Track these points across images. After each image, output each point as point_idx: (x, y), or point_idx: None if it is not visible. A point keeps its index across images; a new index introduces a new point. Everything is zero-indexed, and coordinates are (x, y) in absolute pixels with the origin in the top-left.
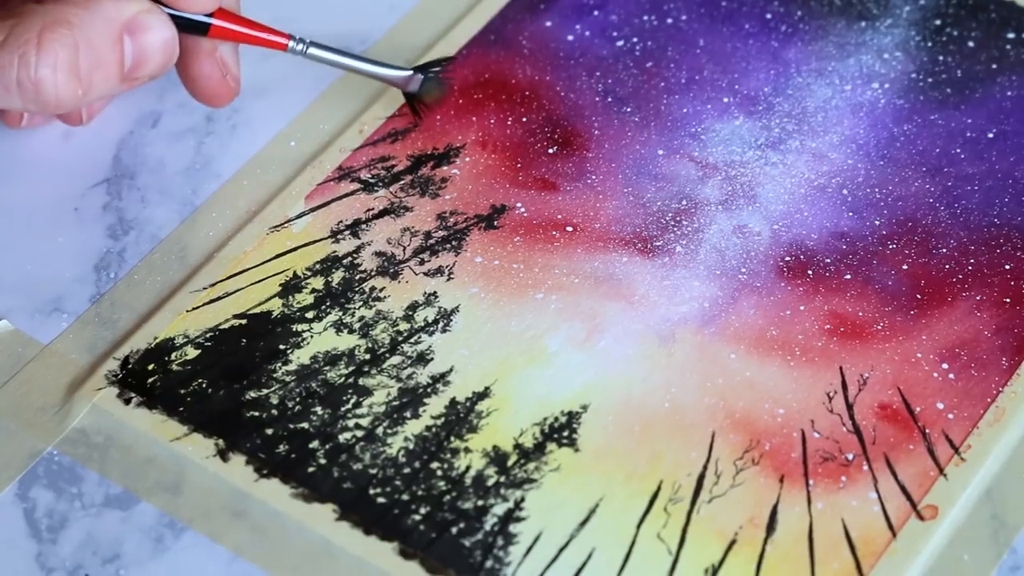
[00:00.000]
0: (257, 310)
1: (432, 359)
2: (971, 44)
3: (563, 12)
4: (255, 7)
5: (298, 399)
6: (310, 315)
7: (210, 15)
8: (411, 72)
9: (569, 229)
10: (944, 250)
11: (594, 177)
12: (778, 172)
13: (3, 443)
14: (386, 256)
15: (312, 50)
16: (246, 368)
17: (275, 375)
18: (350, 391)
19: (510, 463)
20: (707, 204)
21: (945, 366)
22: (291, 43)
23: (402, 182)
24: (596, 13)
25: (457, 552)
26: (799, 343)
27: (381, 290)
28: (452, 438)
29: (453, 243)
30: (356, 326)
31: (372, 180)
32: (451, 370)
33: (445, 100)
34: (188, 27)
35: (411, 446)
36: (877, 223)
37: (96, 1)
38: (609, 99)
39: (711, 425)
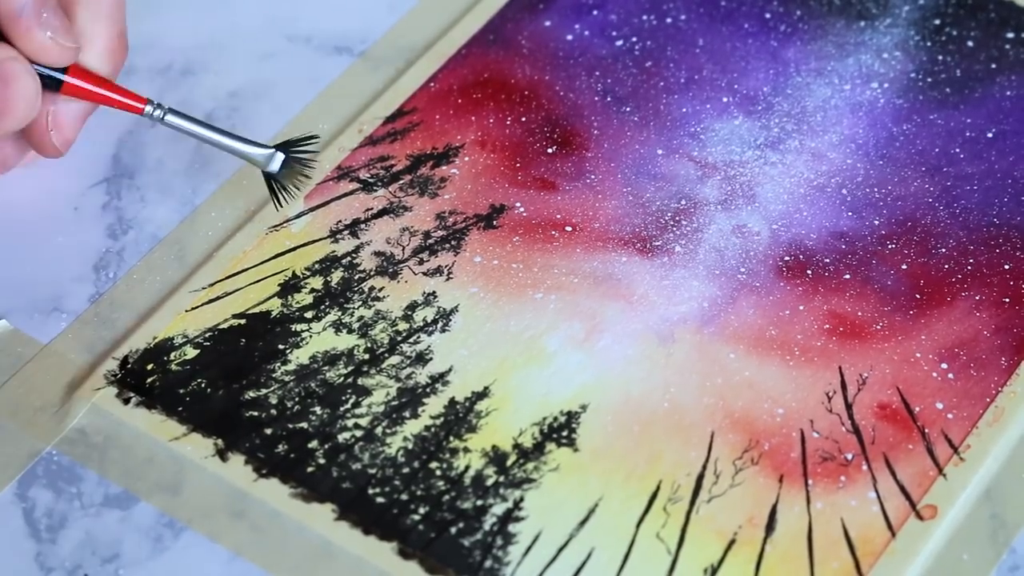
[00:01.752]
0: (256, 310)
1: (431, 359)
2: (970, 44)
3: (562, 12)
4: (255, 8)
5: (297, 399)
6: (309, 315)
7: (64, 71)
8: (272, 150)
9: (568, 229)
10: (943, 250)
11: (593, 177)
12: (777, 172)
13: (2, 443)
14: (385, 256)
15: (169, 117)
16: (245, 368)
17: (274, 375)
18: (349, 391)
19: (509, 463)
20: (706, 204)
21: (944, 366)
22: (147, 107)
23: (401, 182)
24: (595, 13)
25: (456, 552)
26: (798, 343)
27: (380, 290)
28: (451, 438)
29: (452, 243)
30: (355, 326)
31: (371, 180)
32: (450, 370)
33: (306, 181)
34: (43, 80)
35: (410, 446)
36: (876, 223)
37: None
38: (608, 99)
39: (710, 425)
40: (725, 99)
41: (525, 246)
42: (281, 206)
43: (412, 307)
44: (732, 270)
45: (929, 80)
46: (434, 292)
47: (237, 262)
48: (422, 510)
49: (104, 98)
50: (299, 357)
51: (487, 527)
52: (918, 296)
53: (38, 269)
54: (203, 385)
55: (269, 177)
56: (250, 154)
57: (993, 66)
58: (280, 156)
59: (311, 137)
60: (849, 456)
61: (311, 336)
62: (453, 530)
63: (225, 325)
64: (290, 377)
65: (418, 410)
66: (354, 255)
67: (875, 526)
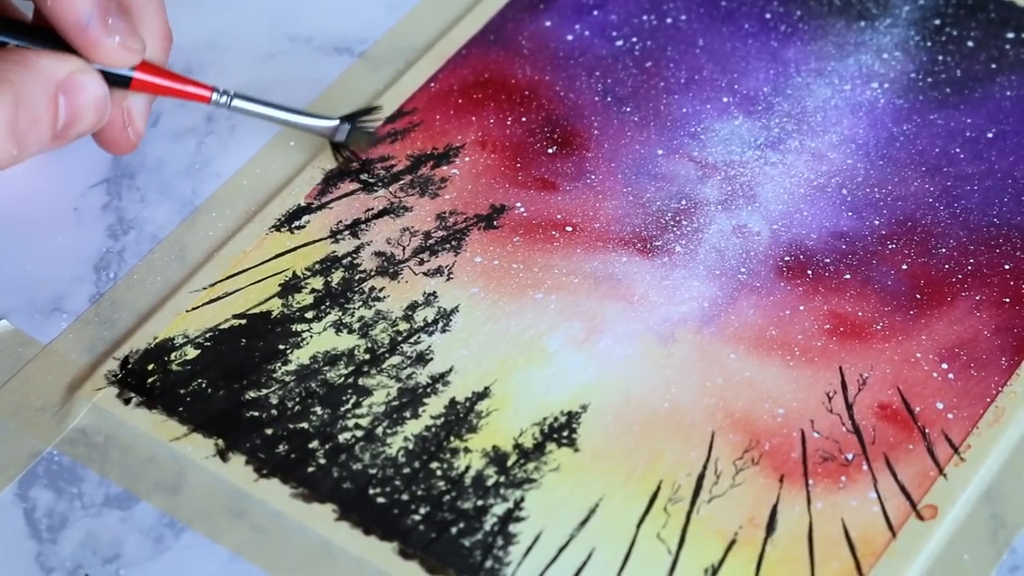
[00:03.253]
0: (257, 310)
1: (432, 359)
2: (970, 44)
3: (562, 12)
4: (255, 9)
5: (298, 399)
6: (310, 315)
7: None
8: (337, 122)
9: (569, 229)
10: (944, 250)
11: (594, 177)
12: (777, 172)
13: (3, 443)
14: (386, 256)
15: (236, 102)
16: (246, 368)
17: (275, 375)
18: (350, 391)
19: (510, 463)
20: (706, 204)
21: (945, 366)
22: (215, 95)
23: (401, 182)
24: (595, 13)
25: (457, 552)
26: (799, 343)
27: (381, 290)
28: (452, 438)
29: (453, 243)
30: (356, 326)
31: (372, 180)
32: (451, 370)
33: (371, 149)
34: (111, 80)
35: (411, 446)
36: (876, 223)
37: (34, 59)
38: (608, 99)
39: (711, 425)
40: (725, 99)
41: (525, 246)
42: (347, 166)
43: (413, 307)
44: (732, 270)
45: (929, 80)
46: (435, 292)
47: (237, 262)
48: (423, 510)
49: (172, 90)
50: (300, 357)
51: (488, 527)
52: (918, 296)
53: (38, 269)
54: (204, 385)
55: (336, 146)
56: (318, 126)
57: (993, 66)
58: (345, 127)
59: (376, 107)
60: (849, 456)
61: (312, 336)
62: (454, 530)
63: (226, 325)
64: (291, 377)
65: (419, 410)
66: (355, 255)
67: (876, 526)
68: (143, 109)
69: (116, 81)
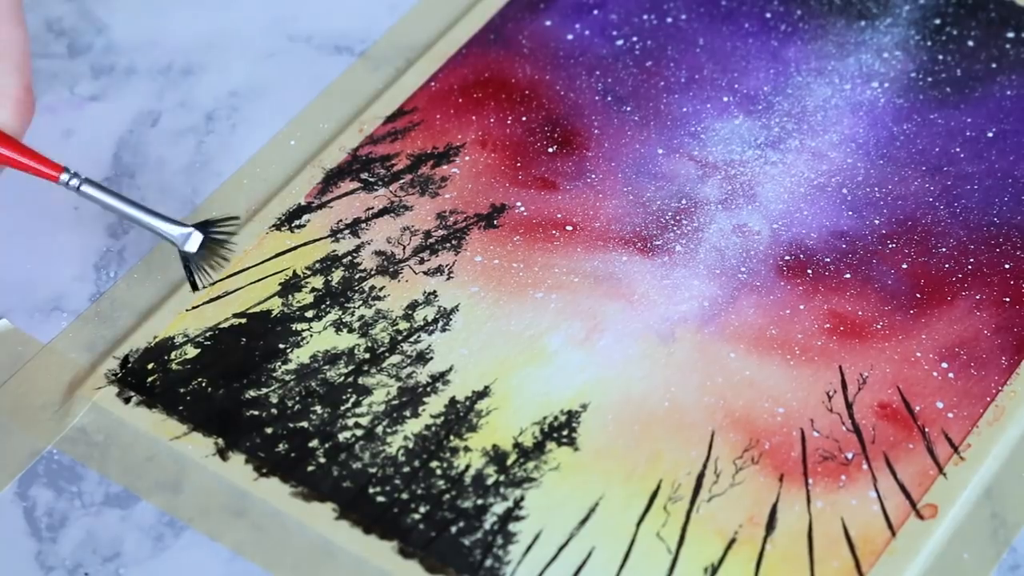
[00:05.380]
0: (257, 309)
1: (432, 358)
2: (971, 43)
3: (563, 11)
4: (255, 8)
5: (298, 398)
6: (310, 314)
7: None
8: (190, 230)
9: (569, 228)
10: (944, 249)
11: (594, 176)
12: (778, 171)
13: (3, 442)
14: (386, 255)
15: (85, 187)
16: (246, 367)
17: (275, 374)
18: (350, 390)
19: (510, 462)
20: (707, 203)
21: (945, 365)
22: (63, 176)
23: (402, 181)
24: (596, 12)
25: (457, 551)
26: (799, 342)
27: (381, 289)
28: (452, 437)
29: (453, 242)
30: (356, 325)
31: (372, 179)
32: (451, 369)
33: (223, 263)
34: None
35: (411, 445)
36: (877, 222)
37: None
38: (609, 98)
39: (711, 424)
40: (725, 99)
41: (526, 245)
42: (197, 288)
43: (413, 306)
44: (732, 269)
45: (929, 80)
46: (435, 291)
47: (238, 261)
48: (423, 509)
49: (19, 163)
50: (300, 356)
51: (487, 526)
52: (918, 295)
53: (38, 268)
54: (204, 384)
55: (185, 257)
56: (166, 232)
57: (993, 66)
58: (198, 236)
59: (231, 218)
60: (849, 455)
61: (312, 335)
62: (453, 529)
63: (226, 324)
64: (291, 376)
65: (419, 409)
66: (355, 254)
67: (875, 525)
68: None
69: None
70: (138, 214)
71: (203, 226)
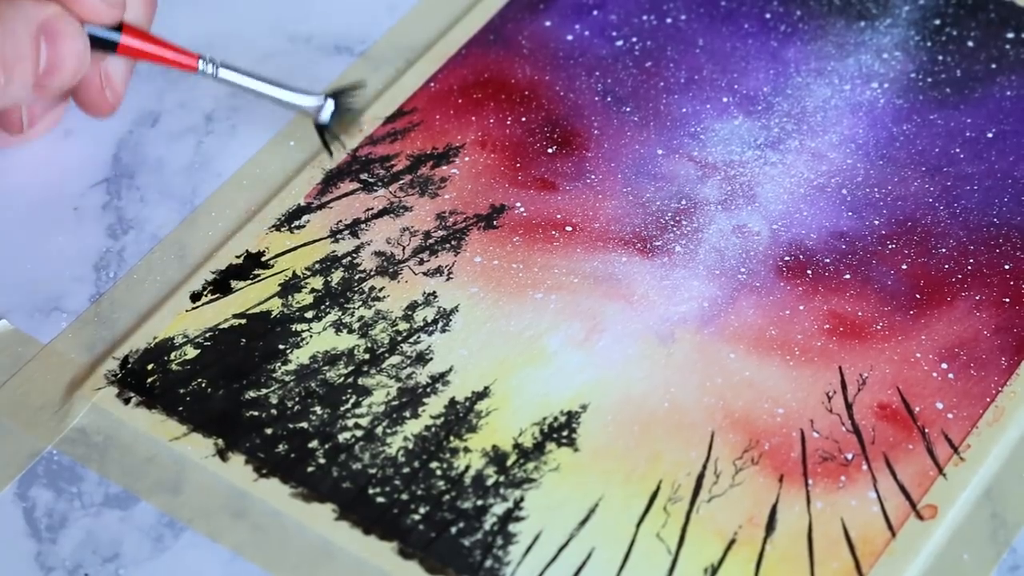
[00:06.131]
0: (256, 310)
1: (431, 359)
2: (970, 44)
3: (562, 12)
4: (255, 8)
5: (297, 399)
6: (309, 315)
7: (118, 30)
8: (322, 98)
9: (568, 229)
10: (943, 250)
11: (593, 177)
12: (777, 172)
13: (3, 442)
14: (385, 256)
15: (222, 71)
16: (245, 368)
17: (274, 375)
18: (349, 391)
19: (509, 463)
20: (706, 204)
21: (944, 366)
22: (201, 63)
23: (401, 182)
24: (595, 13)
25: (456, 552)
26: (798, 343)
27: (380, 290)
28: (451, 438)
29: (452, 243)
30: (355, 326)
31: (371, 180)
32: (450, 370)
33: (355, 128)
34: (97, 44)
35: (410, 446)
36: (876, 223)
37: None
38: (608, 99)
39: (710, 425)
40: (725, 99)
41: (525, 246)
42: (332, 155)
43: (412, 307)
44: (732, 270)
45: (929, 80)
46: (434, 292)
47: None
48: (422, 510)
49: (158, 56)
50: (299, 357)
51: (487, 527)
52: (918, 296)
53: (38, 269)
54: (203, 385)
55: (319, 126)
56: (300, 103)
57: (993, 66)
58: (330, 105)
59: (357, 85)
60: (849, 456)
61: (311, 336)
62: (453, 530)
63: (225, 325)
64: (290, 377)
65: (418, 410)
66: (354, 255)
67: (875, 526)
68: (122, 71)
69: (102, 44)
70: (274, 91)
71: (334, 95)
